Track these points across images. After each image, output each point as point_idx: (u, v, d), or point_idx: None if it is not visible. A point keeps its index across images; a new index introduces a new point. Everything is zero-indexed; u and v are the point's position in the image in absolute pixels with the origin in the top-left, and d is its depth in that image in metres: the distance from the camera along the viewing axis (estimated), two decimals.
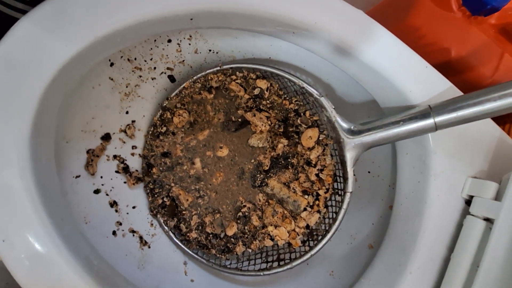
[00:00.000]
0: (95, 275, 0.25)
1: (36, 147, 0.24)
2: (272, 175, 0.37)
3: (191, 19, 0.26)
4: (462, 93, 0.31)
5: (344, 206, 0.32)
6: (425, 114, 0.27)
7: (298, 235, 0.36)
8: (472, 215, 0.29)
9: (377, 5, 0.50)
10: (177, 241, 0.36)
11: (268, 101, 0.37)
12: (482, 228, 0.28)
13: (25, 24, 0.24)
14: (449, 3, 0.39)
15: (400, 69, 0.29)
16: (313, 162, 0.36)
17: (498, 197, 0.29)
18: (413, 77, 0.29)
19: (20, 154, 0.23)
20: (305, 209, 0.36)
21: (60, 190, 0.27)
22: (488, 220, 0.29)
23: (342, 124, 0.32)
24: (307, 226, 0.36)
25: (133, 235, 0.35)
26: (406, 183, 0.34)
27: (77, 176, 0.32)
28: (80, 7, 0.24)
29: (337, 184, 0.35)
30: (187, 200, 0.36)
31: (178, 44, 0.35)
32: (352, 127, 0.31)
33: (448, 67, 0.40)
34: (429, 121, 0.27)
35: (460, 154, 0.30)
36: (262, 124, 0.36)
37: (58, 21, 0.24)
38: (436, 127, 0.27)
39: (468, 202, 0.31)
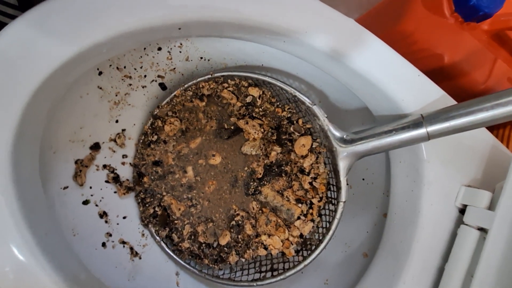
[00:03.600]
0: None
1: (19, 159, 0.24)
2: (265, 183, 0.36)
3: (179, 28, 0.26)
4: (455, 102, 0.31)
5: (338, 215, 0.32)
6: (417, 123, 0.27)
7: (292, 244, 0.35)
8: (466, 224, 0.29)
9: (369, 11, 0.50)
10: (169, 251, 0.35)
11: (260, 109, 0.37)
12: (476, 237, 0.28)
13: (11, 30, 0.23)
14: (442, 9, 0.39)
15: (391, 78, 0.29)
16: (307, 170, 0.36)
17: (491, 206, 0.28)
18: (405, 86, 0.29)
19: (0, 166, 0.23)
20: (298, 218, 0.35)
21: (45, 202, 0.27)
22: (482, 229, 0.28)
23: (335, 132, 0.31)
24: (301, 235, 0.35)
25: (124, 246, 0.34)
26: (399, 191, 0.33)
27: (65, 187, 0.31)
28: (67, 16, 0.23)
29: (331, 193, 0.35)
30: (179, 209, 0.36)
31: (169, 52, 0.35)
32: (344, 136, 0.31)
33: (441, 73, 0.40)
34: (421, 131, 0.27)
35: (454, 162, 0.30)
36: (255, 132, 0.36)
37: (44, 28, 0.23)
38: (429, 137, 0.27)
39: (462, 211, 0.30)
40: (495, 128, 0.44)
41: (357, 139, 0.30)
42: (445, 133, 0.26)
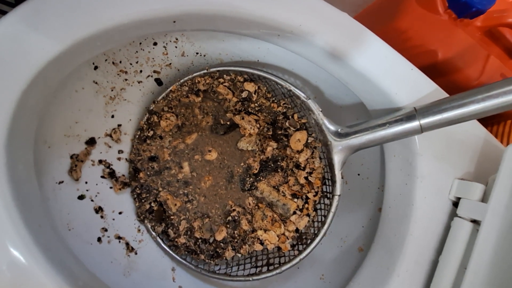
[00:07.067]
0: (76, 284, 0.24)
1: (13, 152, 0.24)
2: (261, 178, 0.36)
3: (174, 21, 0.26)
4: (447, 95, 0.31)
5: (333, 209, 0.32)
6: (410, 116, 0.27)
7: (288, 239, 0.35)
8: (460, 217, 0.29)
9: (364, 9, 0.50)
10: (165, 246, 0.35)
11: (256, 104, 0.37)
12: (469, 230, 0.28)
13: (2, 25, 0.23)
14: (435, 6, 0.40)
15: (385, 71, 0.29)
16: (302, 165, 0.36)
17: (484, 198, 0.29)
18: (398, 80, 0.29)
19: None
20: (294, 213, 0.35)
21: (40, 196, 0.27)
22: (475, 221, 0.29)
23: (329, 126, 0.32)
24: (297, 230, 0.35)
25: (119, 242, 0.34)
26: (394, 185, 0.33)
27: (60, 182, 0.31)
28: (59, 9, 0.23)
29: (326, 187, 0.35)
30: (175, 204, 0.36)
31: (164, 47, 0.35)
32: (339, 130, 0.31)
33: (434, 69, 0.40)
34: (414, 123, 0.27)
35: (447, 156, 0.30)
36: (251, 127, 0.36)
37: (36, 22, 0.23)
38: (422, 129, 0.27)
39: (456, 204, 0.31)
40: (489, 124, 0.45)
41: (352, 133, 0.30)
42: (438, 126, 0.26)
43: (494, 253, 0.26)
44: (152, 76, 0.36)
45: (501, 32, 0.41)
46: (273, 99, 0.37)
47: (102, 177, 0.35)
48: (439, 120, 0.26)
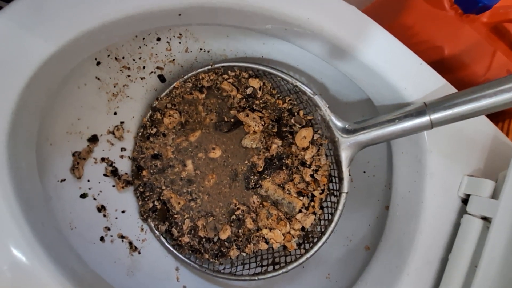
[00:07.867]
0: (79, 284, 0.23)
1: (15, 150, 0.23)
2: (266, 176, 0.36)
3: (180, 14, 0.25)
4: (456, 90, 0.30)
5: (340, 207, 0.31)
6: (420, 111, 0.27)
7: (294, 238, 0.35)
8: (470, 214, 0.29)
9: (369, 5, 0.50)
10: (169, 246, 0.35)
11: (261, 101, 0.36)
12: (479, 227, 0.28)
13: (1, 20, 0.22)
14: (442, 2, 0.39)
15: (393, 66, 0.29)
16: (308, 163, 0.35)
17: (495, 195, 0.28)
18: (407, 74, 0.29)
19: None
20: (300, 211, 0.35)
21: (42, 195, 0.26)
22: (485, 219, 0.28)
23: (337, 123, 0.31)
24: (303, 228, 0.35)
25: (122, 241, 0.33)
26: (402, 183, 0.33)
27: (62, 180, 0.31)
28: (60, 2, 0.23)
29: (333, 185, 0.34)
30: (179, 203, 0.35)
31: (168, 42, 0.34)
32: (346, 126, 0.31)
33: (441, 66, 0.40)
34: (424, 119, 0.26)
35: (456, 152, 0.30)
36: (255, 125, 0.36)
37: (36, 16, 0.23)
38: (432, 125, 0.26)
39: (465, 201, 0.30)
40: (496, 120, 0.44)
41: (360, 129, 0.30)
42: (449, 121, 0.26)
43: (506, 250, 0.26)
44: (155, 73, 0.36)
45: (507, 28, 0.41)
46: (278, 95, 0.37)
47: (105, 175, 0.34)
48: (450, 115, 0.26)
